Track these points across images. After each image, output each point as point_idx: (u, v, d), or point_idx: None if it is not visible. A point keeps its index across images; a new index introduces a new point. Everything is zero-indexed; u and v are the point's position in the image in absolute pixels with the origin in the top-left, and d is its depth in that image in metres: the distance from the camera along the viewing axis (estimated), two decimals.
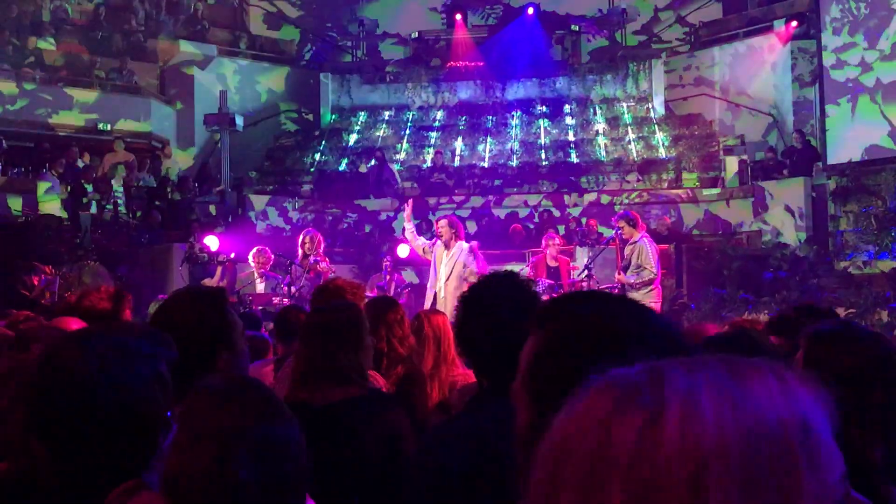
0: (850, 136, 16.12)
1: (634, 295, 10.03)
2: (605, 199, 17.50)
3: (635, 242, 10.32)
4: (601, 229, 15.40)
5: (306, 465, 1.72)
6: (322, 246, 10.86)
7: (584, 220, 16.31)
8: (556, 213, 17.33)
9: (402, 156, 19.79)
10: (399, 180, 18.53)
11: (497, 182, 18.65)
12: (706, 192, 17.57)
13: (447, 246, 10.04)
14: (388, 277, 12.32)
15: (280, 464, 1.66)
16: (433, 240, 10.46)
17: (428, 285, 10.33)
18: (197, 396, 1.72)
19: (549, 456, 0.80)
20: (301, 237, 10.93)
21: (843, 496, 0.76)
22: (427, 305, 9.75)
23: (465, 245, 10.09)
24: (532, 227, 16.79)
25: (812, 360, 2.27)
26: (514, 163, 19.22)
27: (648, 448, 0.74)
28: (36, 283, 11.19)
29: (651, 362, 0.82)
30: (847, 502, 0.76)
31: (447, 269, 9.91)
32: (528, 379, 1.44)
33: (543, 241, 12.06)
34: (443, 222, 10.26)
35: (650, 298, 10.04)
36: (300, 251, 10.73)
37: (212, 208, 17.36)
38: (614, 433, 0.76)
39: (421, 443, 2.38)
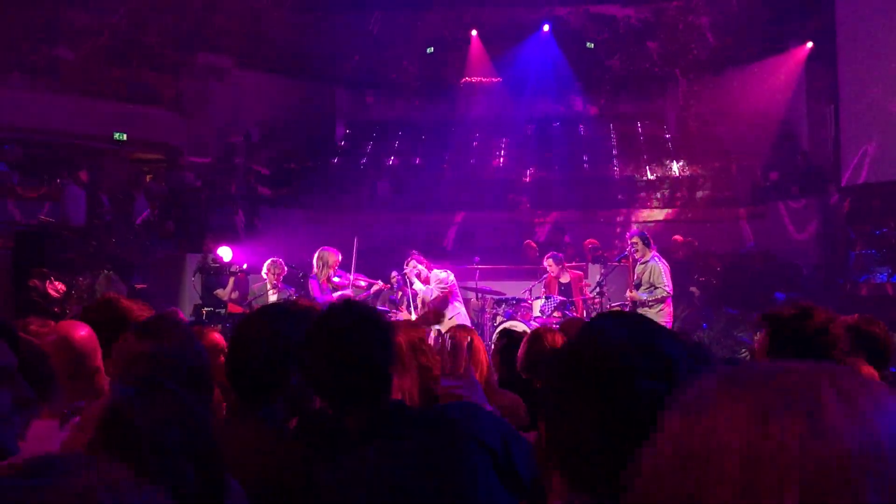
0: (865, 157, 16.09)
1: (647, 313, 10.05)
2: (618, 216, 17.51)
3: (647, 262, 10.33)
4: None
5: None
6: (337, 262, 10.84)
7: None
8: (571, 230, 17.33)
9: (415, 170, 19.84)
10: (388, 191, 18.61)
11: (511, 197, 18.68)
12: (719, 210, 17.56)
13: (410, 283, 10.76)
14: (399, 293, 12.32)
15: None
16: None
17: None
18: None
19: (685, 455, 0.82)
20: (321, 255, 10.81)
21: None
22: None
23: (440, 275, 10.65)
24: (546, 240, 16.80)
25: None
26: (528, 179, 19.25)
27: (814, 446, 0.76)
28: (50, 291, 11.25)
29: (785, 363, 0.85)
30: None
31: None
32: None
33: (544, 261, 12.15)
34: (412, 262, 10.87)
35: (661, 317, 10.05)
36: (323, 271, 10.68)
37: (225, 219, 17.42)
38: (773, 431, 0.78)
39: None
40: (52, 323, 4.02)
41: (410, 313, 10.59)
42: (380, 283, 11.06)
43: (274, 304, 2.84)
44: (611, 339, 1.48)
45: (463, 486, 2.22)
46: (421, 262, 10.86)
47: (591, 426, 1.40)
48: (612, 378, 1.41)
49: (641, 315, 1.97)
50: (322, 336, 2.35)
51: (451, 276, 10.91)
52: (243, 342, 2.57)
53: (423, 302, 10.53)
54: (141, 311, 3.50)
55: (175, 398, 1.77)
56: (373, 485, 2.21)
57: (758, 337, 3.30)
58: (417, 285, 10.54)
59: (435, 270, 10.83)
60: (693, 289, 14.09)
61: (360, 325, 2.36)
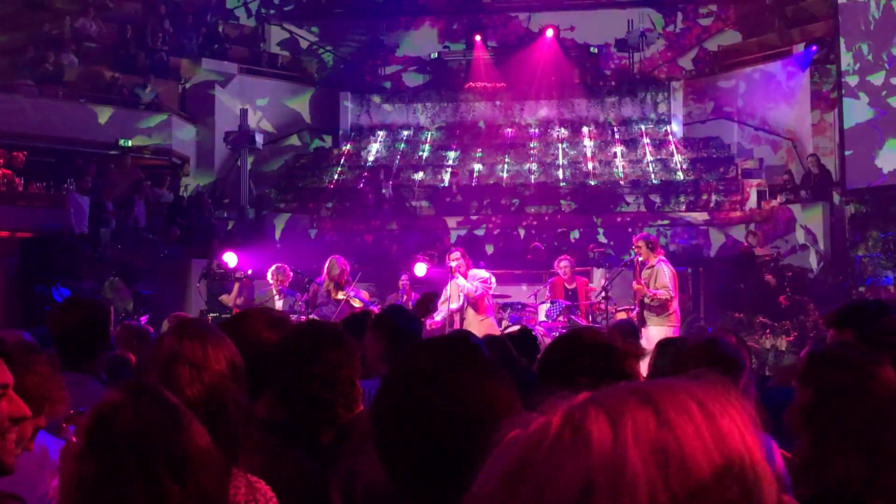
0: (869, 161, 16.09)
1: (653, 319, 10.03)
2: (622, 220, 17.52)
3: (653, 266, 10.32)
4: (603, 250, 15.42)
5: None
6: (349, 273, 10.79)
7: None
8: (575, 234, 17.35)
9: (420, 175, 19.86)
10: (392, 197, 18.57)
11: (515, 202, 18.68)
12: (724, 215, 17.57)
13: (452, 276, 10.32)
14: (405, 297, 12.32)
15: None
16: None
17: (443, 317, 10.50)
18: None
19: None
20: (328, 265, 10.74)
21: None
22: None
23: (480, 273, 10.44)
24: (551, 245, 16.80)
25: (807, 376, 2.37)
26: (532, 183, 19.26)
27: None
28: (57, 299, 11.27)
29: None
30: None
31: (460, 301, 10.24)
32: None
33: (555, 265, 12.10)
34: (456, 254, 10.50)
35: (669, 322, 10.03)
36: (328, 282, 10.62)
37: (230, 225, 17.46)
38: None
39: None
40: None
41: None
42: (375, 307, 10.85)
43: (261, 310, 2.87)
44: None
45: None
46: (464, 258, 10.65)
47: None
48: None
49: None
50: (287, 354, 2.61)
51: (493, 279, 10.77)
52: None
53: (466, 297, 10.28)
54: None
55: (161, 404, 1.78)
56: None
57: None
58: (461, 280, 10.36)
59: (474, 269, 10.71)
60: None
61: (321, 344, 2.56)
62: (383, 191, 18.28)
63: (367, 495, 2.08)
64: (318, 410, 2.63)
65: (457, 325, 10.01)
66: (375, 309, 10.61)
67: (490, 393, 1.58)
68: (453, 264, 10.36)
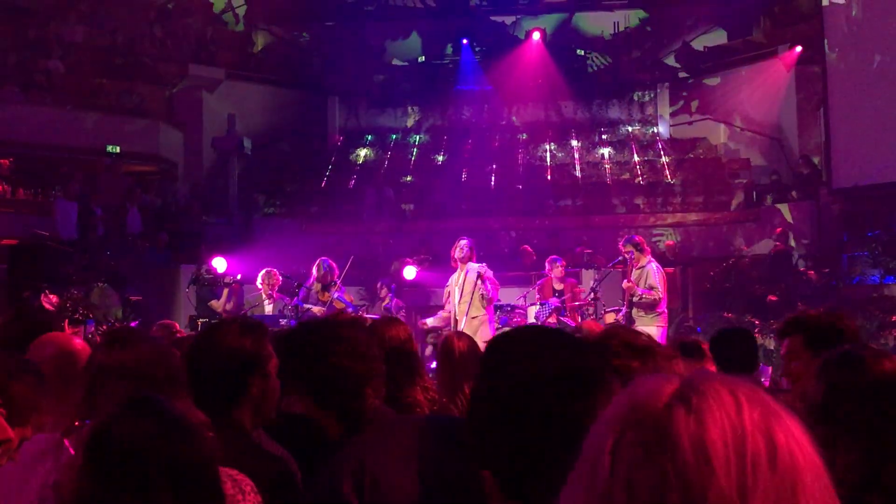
0: (856, 161, 16.17)
1: (642, 318, 10.07)
2: (610, 222, 17.56)
3: (643, 267, 10.36)
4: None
5: None
6: (337, 275, 10.77)
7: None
8: (564, 236, 17.37)
9: (408, 178, 19.87)
10: (393, 200, 18.57)
11: (503, 204, 18.71)
12: (711, 215, 17.63)
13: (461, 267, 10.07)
14: (394, 300, 12.30)
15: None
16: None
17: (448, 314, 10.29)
18: None
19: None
20: (317, 267, 10.75)
21: None
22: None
23: (474, 266, 10.12)
24: (541, 247, 16.82)
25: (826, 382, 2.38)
26: (521, 185, 19.29)
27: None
28: (45, 305, 11.24)
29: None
30: None
31: (463, 294, 9.94)
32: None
33: (547, 265, 12.07)
34: (464, 243, 10.24)
35: (657, 322, 10.08)
36: (317, 283, 10.63)
37: (219, 230, 17.43)
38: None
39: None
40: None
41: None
42: (361, 311, 10.80)
43: (234, 318, 2.88)
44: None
45: None
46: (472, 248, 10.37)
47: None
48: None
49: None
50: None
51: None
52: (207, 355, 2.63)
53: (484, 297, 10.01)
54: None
55: (160, 415, 1.78)
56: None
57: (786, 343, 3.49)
58: (485, 282, 10.09)
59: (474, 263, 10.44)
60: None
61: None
62: (383, 193, 18.31)
63: (374, 487, 2.09)
64: (350, 397, 2.66)
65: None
66: (362, 312, 10.65)
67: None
68: (459, 254, 10.11)
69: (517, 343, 1.64)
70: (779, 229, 15.78)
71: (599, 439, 0.88)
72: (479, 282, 9.82)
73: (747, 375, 4.38)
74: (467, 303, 9.82)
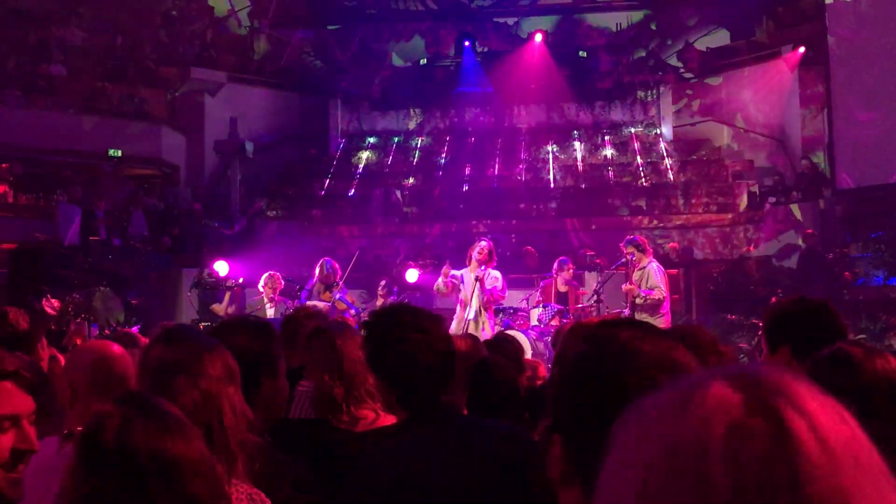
0: (859, 162, 16.13)
1: (644, 318, 10.03)
2: (613, 224, 17.52)
3: (644, 268, 10.32)
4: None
5: None
6: (339, 276, 10.77)
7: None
8: (567, 238, 17.34)
9: (410, 181, 19.85)
10: (401, 203, 18.56)
11: (505, 207, 18.68)
12: (715, 216, 17.58)
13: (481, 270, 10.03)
14: (380, 301, 12.26)
15: None
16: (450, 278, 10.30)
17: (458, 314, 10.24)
18: None
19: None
20: (320, 267, 10.74)
21: None
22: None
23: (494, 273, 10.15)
24: (543, 249, 16.79)
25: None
26: (523, 188, 19.26)
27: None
28: (46, 309, 11.23)
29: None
30: None
31: (477, 295, 9.93)
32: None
33: (556, 265, 11.99)
34: (484, 244, 10.21)
35: (659, 323, 10.02)
36: (319, 284, 10.62)
37: (221, 234, 17.41)
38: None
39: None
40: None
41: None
42: (359, 312, 10.77)
43: (241, 318, 2.85)
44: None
45: None
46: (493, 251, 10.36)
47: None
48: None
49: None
50: None
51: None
52: None
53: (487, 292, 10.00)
54: None
55: (151, 413, 1.74)
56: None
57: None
58: (492, 272, 10.06)
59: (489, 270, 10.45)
60: None
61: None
62: (391, 195, 18.29)
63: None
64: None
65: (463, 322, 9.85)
66: (364, 316, 10.62)
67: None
68: (477, 256, 10.07)
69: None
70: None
71: (693, 435, 0.78)
72: (478, 285, 9.84)
73: None
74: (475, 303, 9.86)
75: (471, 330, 9.23)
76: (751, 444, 0.76)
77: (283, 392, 2.68)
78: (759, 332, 3.27)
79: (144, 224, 16.21)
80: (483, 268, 10.06)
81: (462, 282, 10.17)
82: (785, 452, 0.76)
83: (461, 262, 10.97)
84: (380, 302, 12.11)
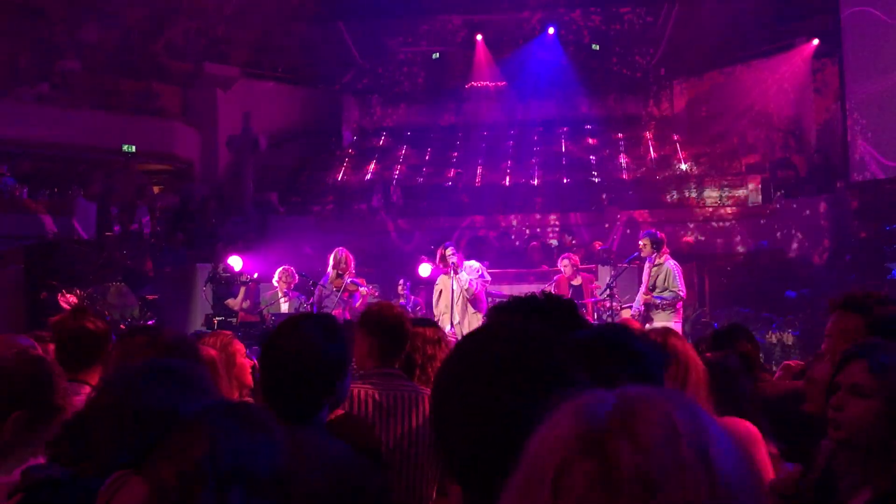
0: (873, 154, 16.05)
1: (658, 315, 10.05)
2: (627, 218, 17.49)
3: (661, 264, 10.31)
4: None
5: None
6: (353, 265, 10.86)
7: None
8: (579, 232, 17.34)
9: (423, 175, 19.87)
10: (399, 198, 18.61)
11: (519, 201, 18.68)
12: (728, 209, 17.54)
13: (455, 271, 10.18)
14: (402, 299, 12.34)
15: None
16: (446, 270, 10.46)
17: (438, 313, 10.40)
18: None
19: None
20: (334, 256, 10.84)
21: None
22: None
23: (473, 265, 10.33)
24: (555, 244, 16.80)
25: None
26: (535, 182, 19.25)
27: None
28: (62, 304, 11.29)
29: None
30: None
31: (462, 299, 10.12)
32: None
33: (558, 262, 12.04)
34: (450, 250, 10.38)
35: (672, 318, 10.05)
36: (332, 271, 10.70)
37: (235, 228, 17.47)
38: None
39: None
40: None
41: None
42: (371, 288, 10.98)
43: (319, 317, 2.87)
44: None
45: None
46: (458, 251, 10.57)
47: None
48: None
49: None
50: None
51: (486, 271, 10.75)
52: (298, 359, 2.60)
53: (463, 290, 10.19)
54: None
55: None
56: None
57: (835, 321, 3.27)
58: (463, 275, 10.27)
59: (467, 262, 10.64)
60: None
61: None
62: (385, 187, 18.33)
63: None
64: None
65: (453, 323, 9.97)
66: (373, 290, 10.88)
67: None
68: (454, 259, 10.28)
69: (477, 336, 1.58)
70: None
71: (541, 461, 0.87)
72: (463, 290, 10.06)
73: None
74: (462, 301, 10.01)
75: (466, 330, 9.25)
76: (575, 480, 0.84)
77: (347, 389, 2.78)
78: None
79: (149, 220, 16.27)
80: (459, 267, 10.24)
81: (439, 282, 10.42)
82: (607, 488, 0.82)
83: (472, 256, 11.07)
84: (411, 301, 12.21)
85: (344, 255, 10.73)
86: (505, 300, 2.54)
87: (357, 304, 10.41)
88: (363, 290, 10.61)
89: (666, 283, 10.18)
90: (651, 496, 0.81)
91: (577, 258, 12.19)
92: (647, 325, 9.82)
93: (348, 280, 10.56)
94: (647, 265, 10.55)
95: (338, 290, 10.41)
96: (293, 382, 2.50)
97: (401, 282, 12.79)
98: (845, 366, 2.32)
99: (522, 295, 2.53)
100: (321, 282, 10.73)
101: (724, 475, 0.83)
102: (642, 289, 10.50)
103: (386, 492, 2.46)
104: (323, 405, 2.56)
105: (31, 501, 2.00)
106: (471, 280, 10.21)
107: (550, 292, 2.44)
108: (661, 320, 9.90)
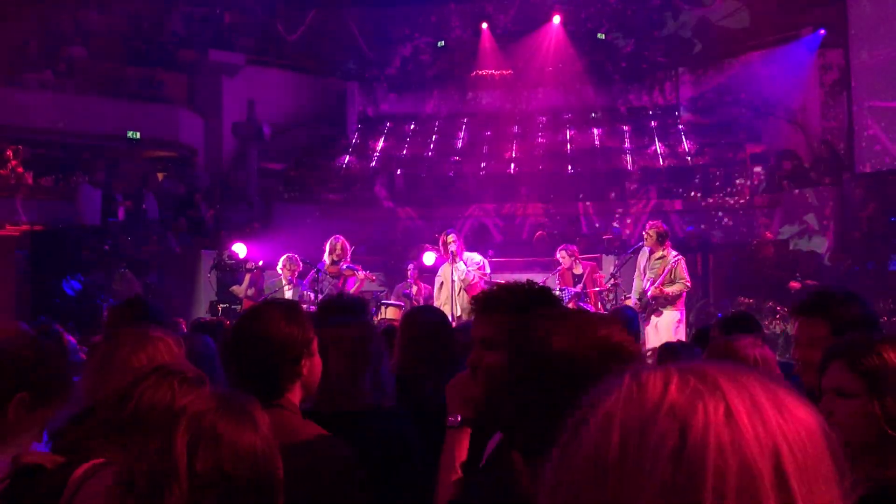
0: (879, 144, 16.01)
1: (661, 308, 10.09)
2: (632, 207, 17.49)
3: (664, 256, 10.31)
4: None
5: None
6: (349, 252, 10.91)
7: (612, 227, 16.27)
8: (586, 221, 17.34)
9: (428, 163, 19.87)
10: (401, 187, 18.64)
11: (523, 190, 18.68)
12: (732, 200, 17.52)
13: (454, 259, 10.20)
14: (414, 288, 12.33)
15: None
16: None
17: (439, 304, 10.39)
18: None
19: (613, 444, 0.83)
20: (330, 243, 10.90)
21: None
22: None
23: (475, 257, 10.37)
24: (556, 234, 16.79)
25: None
26: (541, 170, 19.24)
27: (732, 439, 0.79)
28: (68, 291, 11.34)
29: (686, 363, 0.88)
30: None
31: (457, 285, 10.17)
32: None
33: (556, 253, 12.00)
34: (452, 237, 10.39)
35: (677, 307, 10.08)
36: (328, 258, 10.76)
37: (240, 216, 17.49)
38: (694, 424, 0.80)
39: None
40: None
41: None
42: (368, 273, 11.05)
43: (276, 301, 2.91)
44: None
45: None
46: (459, 240, 10.59)
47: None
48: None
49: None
50: None
51: (487, 264, 10.77)
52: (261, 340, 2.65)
53: (460, 279, 10.21)
54: None
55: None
56: None
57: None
58: (460, 265, 10.29)
59: (468, 252, 10.67)
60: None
61: None
62: (390, 175, 18.33)
63: None
64: None
65: (454, 315, 9.99)
66: (369, 274, 10.96)
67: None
68: (453, 247, 10.29)
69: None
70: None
71: (603, 434, 0.83)
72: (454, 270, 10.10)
73: None
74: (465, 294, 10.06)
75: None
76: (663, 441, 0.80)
77: (319, 367, 2.76)
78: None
79: (155, 206, 16.29)
80: (458, 256, 10.26)
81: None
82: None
83: (478, 245, 11.09)
84: (414, 289, 12.19)
85: (340, 243, 10.80)
86: (488, 289, 2.60)
87: (352, 290, 10.46)
88: (360, 274, 10.68)
89: (673, 276, 10.18)
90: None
91: (574, 248, 12.15)
92: (654, 317, 9.94)
93: (343, 266, 10.62)
94: (646, 255, 10.55)
95: (333, 277, 10.49)
96: (255, 364, 2.57)
97: (410, 266, 12.79)
98: (826, 369, 2.33)
99: (504, 283, 2.62)
100: (317, 267, 10.78)
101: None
102: (648, 285, 10.49)
103: (356, 466, 2.48)
104: (288, 386, 2.60)
105: (14, 487, 2.01)
106: (468, 271, 10.22)
107: (531, 281, 2.48)
108: (665, 311, 9.95)
